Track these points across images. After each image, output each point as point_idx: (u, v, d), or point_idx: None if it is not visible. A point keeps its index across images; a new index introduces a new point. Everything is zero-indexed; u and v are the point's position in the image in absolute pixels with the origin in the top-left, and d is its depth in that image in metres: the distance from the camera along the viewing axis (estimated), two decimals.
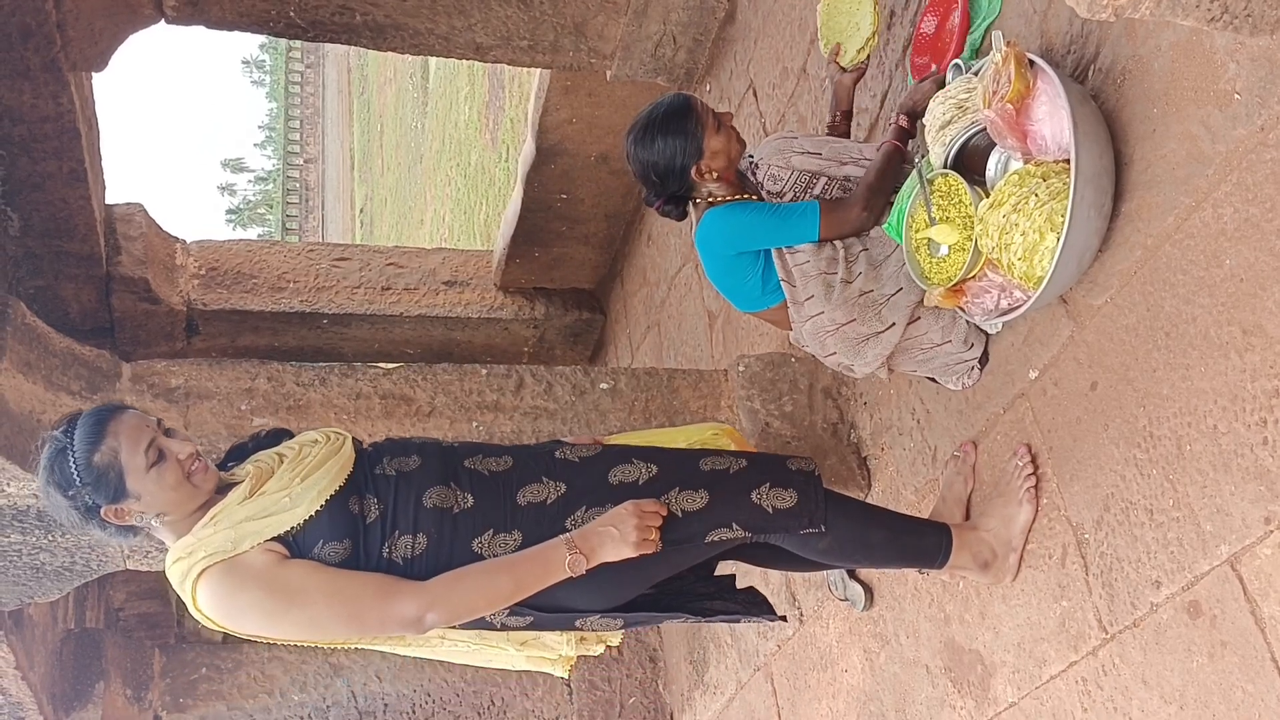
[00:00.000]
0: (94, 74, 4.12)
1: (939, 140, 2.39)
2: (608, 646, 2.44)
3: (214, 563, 2.07)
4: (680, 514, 2.23)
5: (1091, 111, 2.15)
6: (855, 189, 2.58)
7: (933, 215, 2.38)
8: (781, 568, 2.84)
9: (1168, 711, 2.07)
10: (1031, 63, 2.20)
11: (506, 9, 3.97)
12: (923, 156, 2.50)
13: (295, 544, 2.12)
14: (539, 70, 4.76)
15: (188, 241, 5.13)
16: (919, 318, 2.58)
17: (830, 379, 3.26)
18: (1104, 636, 2.23)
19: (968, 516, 2.62)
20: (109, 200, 4.73)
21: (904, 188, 2.51)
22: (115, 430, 2.03)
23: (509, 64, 4.23)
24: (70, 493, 2.04)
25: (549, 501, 2.24)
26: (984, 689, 2.60)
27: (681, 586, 2.44)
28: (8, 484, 2.51)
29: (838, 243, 2.58)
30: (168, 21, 3.88)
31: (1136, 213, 2.17)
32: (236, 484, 2.18)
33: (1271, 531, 1.85)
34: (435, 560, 2.17)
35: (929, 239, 2.39)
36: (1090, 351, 2.29)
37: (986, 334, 2.60)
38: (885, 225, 2.55)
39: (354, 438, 2.29)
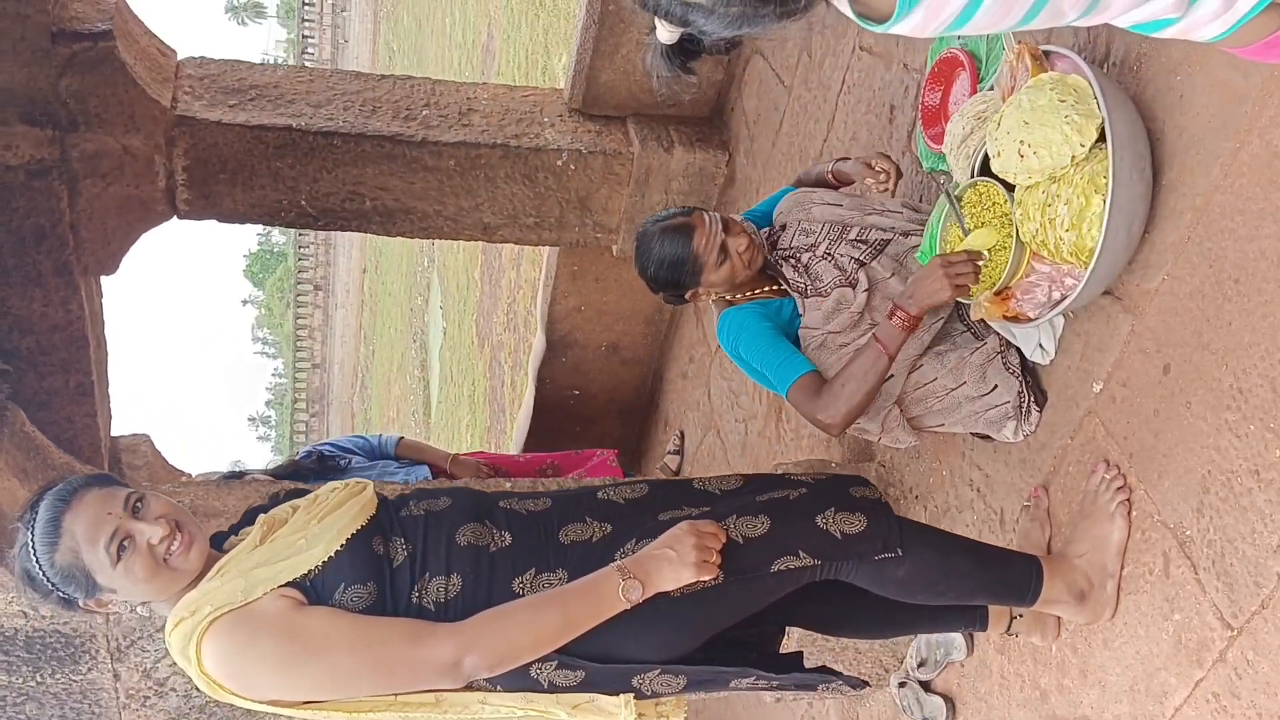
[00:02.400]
0: (104, 279, 4.15)
1: (961, 154, 2.36)
2: None
3: (222, 614, 1.84)
4: (741, 540, 2.02)
5: (1114, 85, 2.13)
6: (833, 383, 2.40)
7: (966, 226, 2.31)
8: (849, 633, 2.56)
9: None
10: (1047, 54, 2.21)
11: (512, 186, 4.06)
12: (948, 178, 2.46)
13: (313, 589, 1.90)
14: (542, 281, 4.82)
15: (194, 475, 5.00)
16: (921, 364, 2.49)
17: (875, 479, 3.07)
18: (1230, 634, 1.96)
19: None
20: (114, 432, 4.65)
21: (934, 211, 2.45)
22: (71, 526, 1.79)
23: (516, 243, 4.28)
24: (39, 596, 1.84)
25: (594, 539, 2.04)
26: None
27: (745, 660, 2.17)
28: None
29: (848, 304, 2.50)
30: (180, 216, 3.95)
31: (1178, 180, 2.10)
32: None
33: None
34: (471, 603, 1.94)
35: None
36: (1155, 337, 2.15)
37: (1014, 372, 2.45)
38: (919, 254, 2.47)
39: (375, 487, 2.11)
